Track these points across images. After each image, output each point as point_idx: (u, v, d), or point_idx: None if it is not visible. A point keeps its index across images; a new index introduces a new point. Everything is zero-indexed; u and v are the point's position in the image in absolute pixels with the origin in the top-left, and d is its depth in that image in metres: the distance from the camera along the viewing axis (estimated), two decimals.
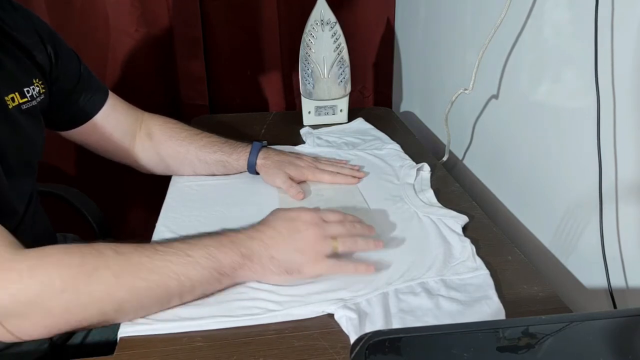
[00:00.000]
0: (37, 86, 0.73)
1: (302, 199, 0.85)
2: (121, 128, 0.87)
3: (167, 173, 0.93)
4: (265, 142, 0.95)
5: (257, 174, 0.90)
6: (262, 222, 0.66)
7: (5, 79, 0.68)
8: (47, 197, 0.97)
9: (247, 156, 0.89)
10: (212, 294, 0.61)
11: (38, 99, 0.73)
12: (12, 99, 0.68)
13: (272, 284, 0.63)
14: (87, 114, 0.83)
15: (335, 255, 0.65)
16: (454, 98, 0.96)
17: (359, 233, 0.68)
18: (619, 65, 0.63)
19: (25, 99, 0.70)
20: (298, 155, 0.94)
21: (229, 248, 0.60)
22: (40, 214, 0.83)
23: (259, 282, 0.63)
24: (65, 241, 0.94)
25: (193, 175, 0.92)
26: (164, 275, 0.56)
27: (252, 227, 0.65)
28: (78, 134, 0.84)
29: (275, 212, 0.67)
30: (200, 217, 0.80)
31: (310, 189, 0.89)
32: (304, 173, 0.89)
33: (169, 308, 0.59)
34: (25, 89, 0.70)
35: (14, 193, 0.72)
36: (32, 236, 0.78)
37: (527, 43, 0.82)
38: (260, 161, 0.89)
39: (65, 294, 0.51)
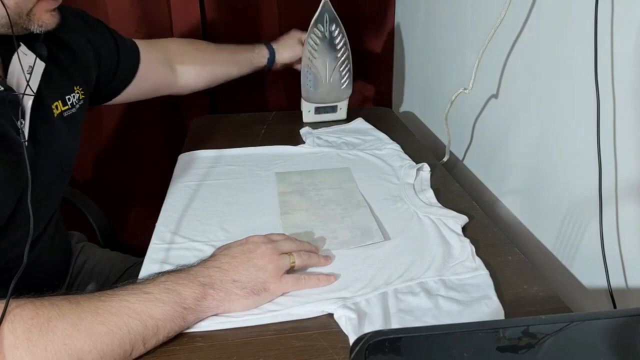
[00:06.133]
0: (77, 93, 0.76)
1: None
2: (160, 65, 0.97)
3: (209, 86, 1.09)
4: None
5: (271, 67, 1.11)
6: (213, 254, 0.64)
7: (52, 88, 0.71)
8: None
9: (265, 49, 1.09)
10: (175, 336, 0.56)
11: (77, 106, 0.76)
12: (56, 107, 0.72)
13: (240, 311, 0.59)
14: (133, 74, 0.92)
15: (291, 272, 0.65)
16: (453, 98, 0.96)
17: (307, 249, 0.68)
18: (619, 65, 0.62)
19: (67, 107, 0.74)
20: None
21: (187, 279, 0.57)
22: (59, 217, 0.85)
23: (227, 314, 0.59)
24: (71, 240, 0.95)
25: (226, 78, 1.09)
26: (124, 316, 0.52)
27: (205, 258, 0.63)
28: (129, 93, 0.93)
29: (221, 246, 0.66)
30: (200, 217, 0.80)
31: (309, 188, 0.89)
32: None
33: None
34: (66, 97, 0.74)
35: (49, 201, 0.75)
36: (51, 239, 0.80)
37: (527, 43, 0.82)
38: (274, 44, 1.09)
39: (18, 351, 0.48)
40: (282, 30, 1.31)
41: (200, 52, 1.06)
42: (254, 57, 1.08)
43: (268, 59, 1.10)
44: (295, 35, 1.13)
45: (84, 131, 1.25)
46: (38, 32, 0.64)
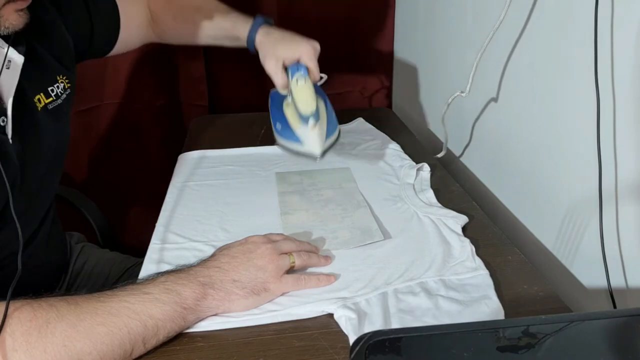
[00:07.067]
0: (62, 82, 0.73)
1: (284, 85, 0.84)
2: (139, 19, 0.91)
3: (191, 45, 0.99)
4: (271, 20, 0.89)
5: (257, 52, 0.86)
6: (213, 254, 0.64)
7: (32, 81, 0.68)
8: None
9: (247, 32, 0.87)
10: (175, 336, 0.56)
11: (63, 96, 0.73)
12: (39, 100, 0.69)
13: (240, 311, 0.59)
14: (116, 36, 0.87)
15: (291, 272, 0.65)
16: (450, 100, 0.96)
17: (307, 249, 0.68)
18: (619, 65, 0.62)
19: (51, 99, 0.71)
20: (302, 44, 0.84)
21: (187, 280, 0.57)
22: (55, 215, 0.84)
23: (227, 314, 0.59)
24: (70, 240, 0.94)
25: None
26: (123, 317, 0.51)
27: (205, 258, 0.63)
28: (118, 49, 0.89)
29: (221, 246, 0.66)
30: (200, 217, 0.80)
31: (309, 188, 0.88)
32: (302, 57, 0.83)
33: None
34: (49, 89, 0.71)
35: (41, 198, 0.73)
36: (46, 238, 0.79)
37: (528, 43, 0.82)
38: (259, 38, 0.86)
39: (17, 354, 0.47)
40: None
41: (183, 17, 0.94)
42: (234, 30, 0.90)
43: (247, 38, 0.87)
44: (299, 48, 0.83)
45: (83, 132, 1.25)
46: (5, 33, 0.61)
